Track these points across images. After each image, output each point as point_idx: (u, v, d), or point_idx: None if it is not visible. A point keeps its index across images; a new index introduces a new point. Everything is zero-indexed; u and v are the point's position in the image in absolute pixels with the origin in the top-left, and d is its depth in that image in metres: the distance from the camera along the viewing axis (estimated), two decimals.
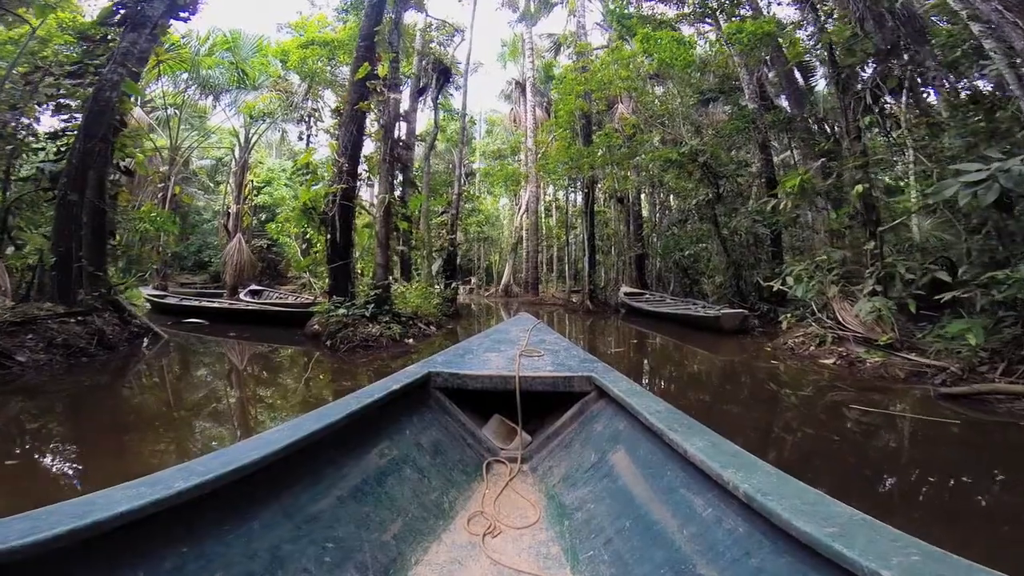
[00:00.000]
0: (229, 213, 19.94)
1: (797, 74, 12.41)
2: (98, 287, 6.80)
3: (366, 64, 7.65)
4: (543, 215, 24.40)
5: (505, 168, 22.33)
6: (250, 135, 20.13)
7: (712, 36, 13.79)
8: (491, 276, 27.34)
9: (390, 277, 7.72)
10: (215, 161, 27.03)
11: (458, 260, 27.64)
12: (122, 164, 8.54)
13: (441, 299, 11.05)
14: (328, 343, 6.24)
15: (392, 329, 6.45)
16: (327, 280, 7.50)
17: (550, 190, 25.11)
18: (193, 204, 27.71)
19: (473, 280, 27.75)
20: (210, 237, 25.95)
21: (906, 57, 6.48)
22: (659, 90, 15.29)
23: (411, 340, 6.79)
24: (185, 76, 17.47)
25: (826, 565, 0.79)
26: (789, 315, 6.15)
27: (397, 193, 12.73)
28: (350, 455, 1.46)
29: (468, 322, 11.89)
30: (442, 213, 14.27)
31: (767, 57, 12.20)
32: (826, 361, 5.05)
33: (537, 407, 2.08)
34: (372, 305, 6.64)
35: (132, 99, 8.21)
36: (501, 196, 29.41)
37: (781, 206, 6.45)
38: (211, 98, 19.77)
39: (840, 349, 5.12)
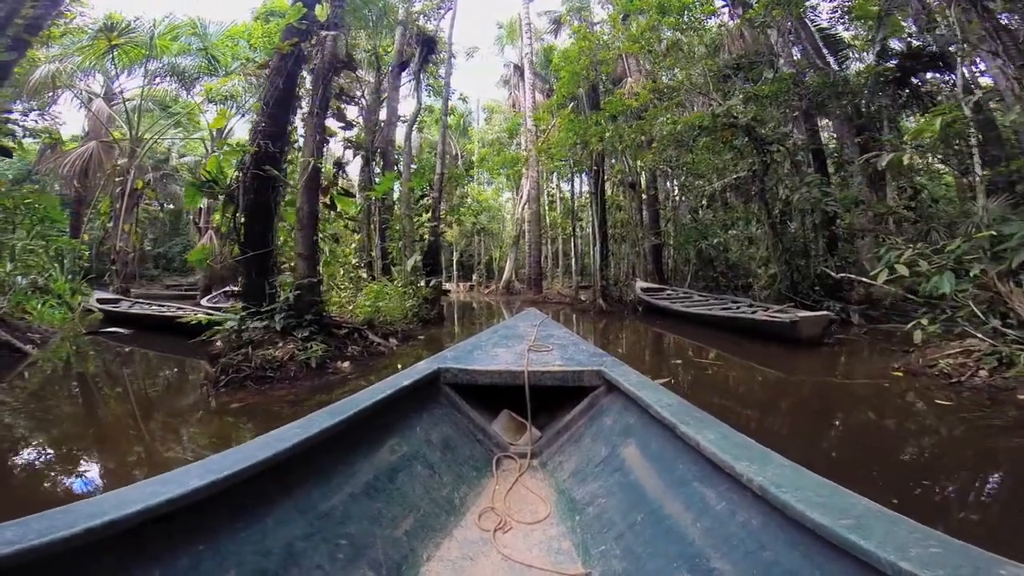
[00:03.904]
0: (200, 208, 18.43)
1: (825, 51, 11.42)
2: None
3: (299, 4, 5.66)
4: (546, 206, 22.65)
5: (504, 154, 20.35)
6: (224, 125, 18.56)
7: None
8: (492, 272, 25.72)
9: (321, 272, 5.65)
10: (201, 158, 25.75)
11: (456, 256, 25.98)
12: None
13: (419, 300, 9.00)
14: (216, 370, 4.19)
15: (310, 349, 4.33)
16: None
17: (553, 179, 23.34)
18: (185, 204, 26.31)
19: (474, 277, 26.41)
20: (195, 236, 24.61)
21: None
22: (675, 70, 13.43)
23: (346, 363, 4.67)
24: (154, 66, 16.17)
25: (842, 557, 0.75)
26: (926, 322, 3.92)
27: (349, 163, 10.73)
28: (361, 452, 1.41)
29: (452, 329, 9.82)
30: (422, 197, 12.18)
31: (790, 28, 10.55)
32: None
33: (546, 402, 1.98)
34: (284, 314, 4.54)
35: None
36: (504, 190, 27.86)
37: (906, 160, 4.23)
38: (181, 87, 18.41)
39: None
